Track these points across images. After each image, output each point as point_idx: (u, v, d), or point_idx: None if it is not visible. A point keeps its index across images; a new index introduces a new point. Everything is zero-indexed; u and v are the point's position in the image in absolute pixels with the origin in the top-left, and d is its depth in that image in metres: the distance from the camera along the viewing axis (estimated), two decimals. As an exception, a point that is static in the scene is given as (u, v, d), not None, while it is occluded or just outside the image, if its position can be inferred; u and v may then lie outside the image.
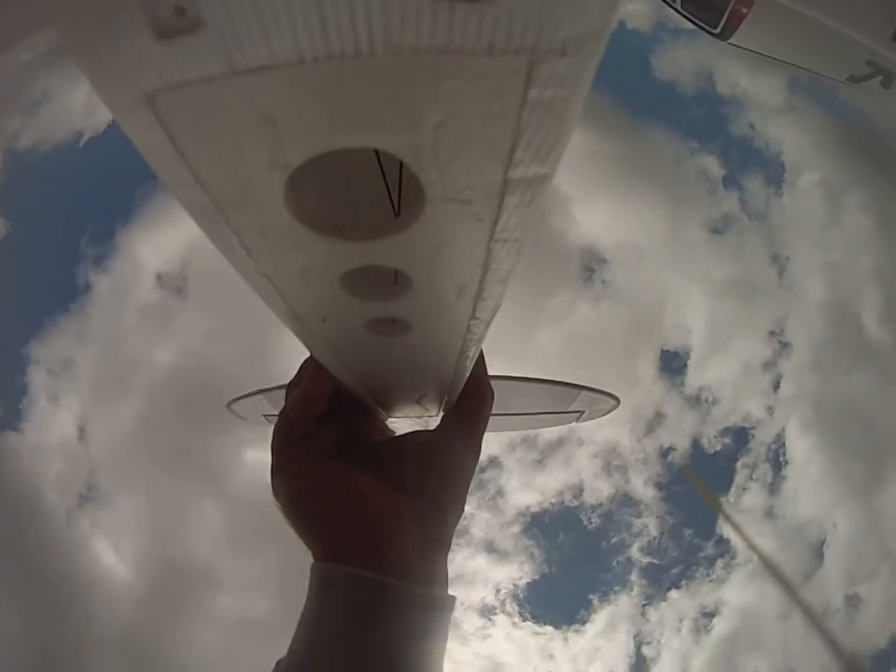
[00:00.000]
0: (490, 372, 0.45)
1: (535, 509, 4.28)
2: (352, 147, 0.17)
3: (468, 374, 0.40)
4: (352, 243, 0.22)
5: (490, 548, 4.25)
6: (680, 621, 4.02)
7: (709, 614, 3.96)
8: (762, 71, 3.78)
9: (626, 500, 4.23)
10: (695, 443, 4.14)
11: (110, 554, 3.98)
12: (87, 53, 0.15)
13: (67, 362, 4.02)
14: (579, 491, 4.25)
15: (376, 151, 0.20)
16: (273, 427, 0.42)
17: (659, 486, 4.18)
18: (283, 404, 0.43)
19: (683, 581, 4.06)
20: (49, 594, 3.75)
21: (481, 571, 4.24)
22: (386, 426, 0.49)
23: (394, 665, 0.34)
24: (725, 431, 4.15)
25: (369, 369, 0.38)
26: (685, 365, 4.21)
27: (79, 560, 3.91)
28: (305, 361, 0.42)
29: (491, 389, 0.45)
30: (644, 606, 4.07)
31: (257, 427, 0.82)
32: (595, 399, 0.82)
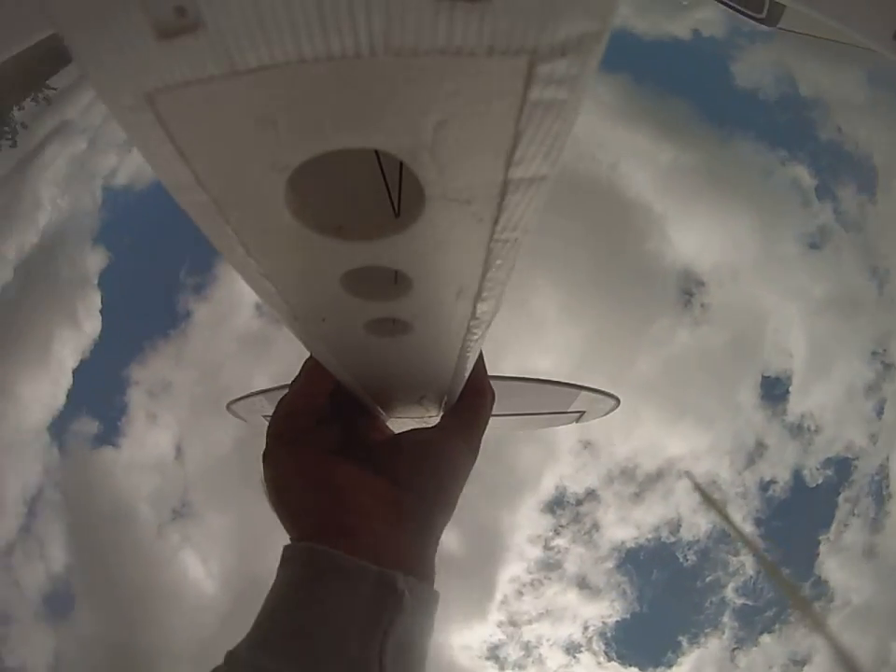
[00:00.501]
0: (499, 373, 0.45)
1: (630, 544, 4.22)
2: (352, 147, 0.17)
3: (468, 374, 0.40)
4: (352, 243, 0.22)
5: (582, 583, 4.20)
6: (770, 668, 3.89)
7: (800, 662, 3.81)
8: (840, 68, 3.72)
9: (724, 537, 4.14)
10: (797, 476, 4.04)
11: (198, 568, 4.08)
12: (87, 53, 0.15)
13: (167, 384, 4.10)
14: (676, 527, 4.18)
15: (376, 151, 0.20)
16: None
17: (758, 522, 4.10)
18: None
19: (776, 625, 3.94)
20: (137, 602, 3.88)
21: (570, 607, 4.19)
22: (386, 426, 0.49)
23: (340, 645, 0.32)
24: (827, 463, 4.04)
25: (369, 369, 0.38)
26: (787, 392, 4.13)
27: (167, 572, 4.04)
28: (307, 361, 0.43)
29: (491, 389, 0.45)
30: (734, 650, 3.96)
31: (256, 428, 0.82)
32: (595, 399, 0.82)
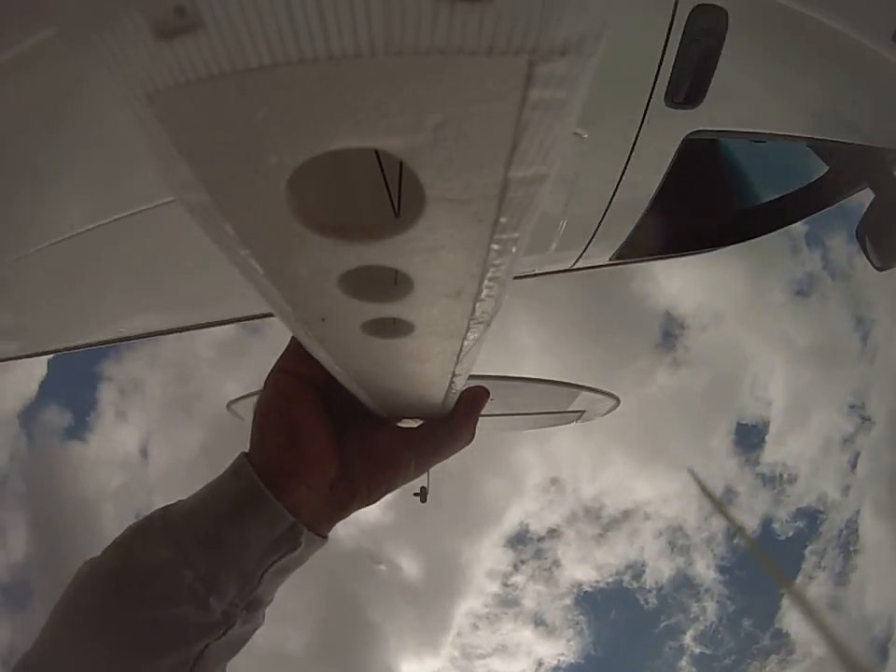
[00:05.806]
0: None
1: (587, 588, 4.10)
2: (352, 147, 0.17)
3: (467, 376, 0.40)
4: (352, 243, 0.22)
5: (538, 621, 4.10)
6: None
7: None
8: None
9: (686, 582, 4.02)
10: (766, 525, 3.89)
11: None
12: (87, 53, 0.15)
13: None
14: (640, 570, 4.06)
15: (376, 151, 0.20)
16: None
17: (722, 570, 4.00)
18: None
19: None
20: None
21: (524, 643, 4.10)
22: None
23: (241, 560, 0.40)
24: (798, 514, 3.91)
25: (368, 369, 0.38)
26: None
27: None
28: None
29: (470, 437, 0.47)
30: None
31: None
32: (595, 399, 0.82)
